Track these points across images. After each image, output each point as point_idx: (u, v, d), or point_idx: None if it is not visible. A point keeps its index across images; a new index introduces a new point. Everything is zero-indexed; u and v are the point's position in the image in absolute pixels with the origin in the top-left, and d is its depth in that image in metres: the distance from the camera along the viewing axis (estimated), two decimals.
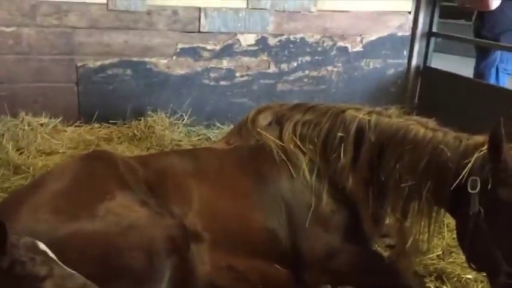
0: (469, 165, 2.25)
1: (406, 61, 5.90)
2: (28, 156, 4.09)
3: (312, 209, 2.69)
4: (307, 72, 5.53)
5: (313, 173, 2.75)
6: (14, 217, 2.21)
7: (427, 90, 5.86)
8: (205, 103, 5.20)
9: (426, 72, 5.90)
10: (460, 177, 2.27)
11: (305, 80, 5.55)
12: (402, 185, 2.53)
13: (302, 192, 2.73)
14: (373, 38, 5.69)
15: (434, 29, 5.86)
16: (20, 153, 4.11)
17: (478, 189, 2.18)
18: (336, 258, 2.72)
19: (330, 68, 5.61)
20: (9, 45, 4.51)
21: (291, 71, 5.46)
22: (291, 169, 2.76)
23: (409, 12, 5.77)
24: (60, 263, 1.69)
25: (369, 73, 5.77)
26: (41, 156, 4.16)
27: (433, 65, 5.97)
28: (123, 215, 2.26)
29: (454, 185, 2.29)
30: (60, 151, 4.27)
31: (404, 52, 5.88)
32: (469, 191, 2.21)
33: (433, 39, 5.89)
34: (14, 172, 3.81)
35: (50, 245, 1.97)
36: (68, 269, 1.68)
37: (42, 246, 1.69)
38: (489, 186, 2.15)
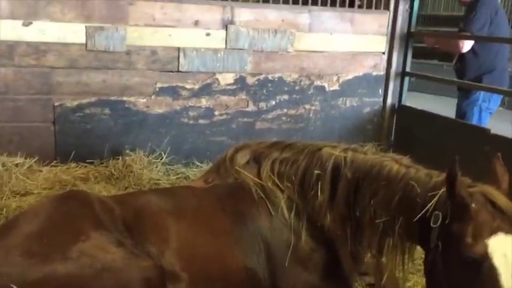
0: (435, 199, 2.29)
1: (381, 99, 6.04)
2: (2, 198, 3.99)
3: (291, 247, 2.67)
4: (285, 110, 5.60)
5: (292, 211, 2.74)
6: None
7: (403, 128, 5.98)
8: (184, 141, 5.20)
9: (401, 110, 6.04)
10: (423, 211, 2.31)
11: (283, 118, 5.61)
12: (377, 221, 2.54)
13: (281, 230, 2.72)
14: (349, 77, 5.83)
15: (407, 69, 6.04)
16: None
17: (439, 223, 2.24)
18: None
19: (307, 106, 5.69)
20: None
21: (270, 110, 5.53)
22: (270, 207, 2.75)
23: (383, 53, 5.95)
24: None
25: (346, 111, 5.88)
26: (15, 197, 4.07)
27: (407, 103, 6.11)
28: (97, 257, 2.20)
29: (416, 218, 2.33)
30: (35, 192, 4.19)
31: (380, 91, 6.02)
32: (431, 225, 2.26)
33: (407, 79, 6.06)
34: None
35: None
36: None
37: None
38: (446, 221, 2.21)
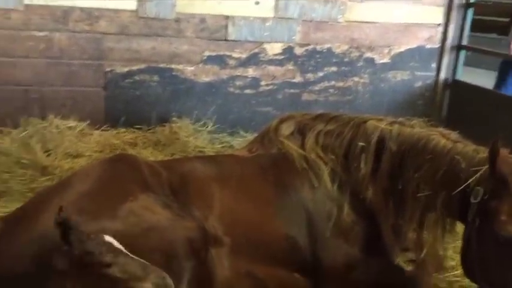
0: (477, 174, 2.26)
1: (434, 74, 5.83)
2: (55, 158, 4.17)
3: (332, 219, 2.68)
4: (332, 82, 5.52)
5: (335, 183, 2.74)
6: (40, 216, 2.26)
7: (455, 104, 5.77)
8: (229, 111, 5.23)
9: (455, 86, 5.82)
10: (465, 184, 2.28)
11: (330, 90, 5.53)
12: (419, 194, 2.51)
13: (323, 202, 2.72)
14: (402, 49, 5.65)
15: (464, 42, 5.78)
16: (48, 155, 4.19)
17: (478, 199, 2.21)
18: (356, 271, 2.69)
19: (356, 79, 5.58)
20: (40, 50, 4.63)
21: (317, 81, 5.46)
22: (313, 178, 2.75)
23: (439, 25, 5.71)
24: (124, 251, 1.90)
25: (396, 85, 5.72)
26: (68, 158, 4.24)
27: (461, 79, 5.88)
28: (144, 217, 2.29)
29: (457, 191, 2.31)
30: (87, 154, 4.35)
31: (433, 65, 5.81)
32: (471, 200, 2.24)
33: (462, 52, 5.82)
34: (41, 173, 3.90)
35: None
36: (131, 255, 1.88)
37: (107, 238, 1.91)
38: (486, 197, 2.18)
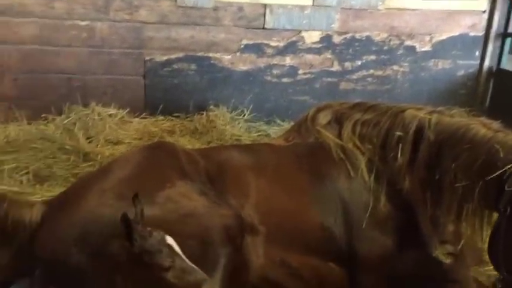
0: None
1: (477, 62, 5.65)
2: (97, 145, 4.30)
3: (369, 210, 2.65)
4: (371, 71, 5.43)
5: (372, 174, 2.70)
6: (81, 201, 2.34)
7: (499, 93, 5.58)
8: (266, 99, 5.23)
9: (499, 75, 5.62)
10: (499, 172, 2.23)
11: (369, 79, 5.44)
12: (456, 185, 2.44)
13: (360, 192, 2.69)
14: (443, 37, 5.49)
15: (510, 30, 5.56)
16: (90, 142, 4.33)
17: None
18: (392, 262, 2.66)
19: (395, 67, 5.47)
20: (83, 39, 4.75)
21: (355, 70, 5.38)
22: (350, 168, 2.73)
23: (484, 12, 5.51)
24: (184, 257, 1.87)
25: (437, 74, 5.58)
26: (109, 145, 4.36)
27: (506, 68, 5.67)
28: (181, 203, 2.33)
29: (490, 178, 2.26)
30: (126, 141, 4.46)
31: (477, 53, 5.63)
32: (506, 188, 2.19)
33: (508, 40, 5.60)
34: (83, 159, 4.02)
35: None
36: (190, 263, 1.85)
37: (169, 240, 1.88)
38: None
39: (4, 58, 4.64)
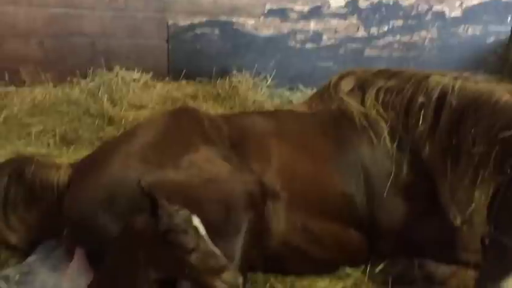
0: None
1: (509, 29, 5.46)
2: (121, 109, 4.34)
3: (391, 177, 2.65)
4: (398, 37, 5.30)
5: (395, 141, 2.69)
6: (107, 164, 2.40)
7: None
8: (289, 65, 5.18)
9: None
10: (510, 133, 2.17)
11: (395, 45, 5.32)
12: (474, 150, 2.41)
13: (382, 160, 2.69)
14: (474, 2, 5.30)
15: None
16: (114, 106, 4.38)
17: None
18: (413, 230, 2.67)
19: (423, 33, 5.32)
20: (106, 3, 4.74)
21: (381, 36, 5.27)
22: (372, 136, 2.72)
23: None
24: (208, 240, 1.82)
25: (467, 40, 5.41)
26: (132, 109, 4.41)
27: None
28: (205, 168, 2.37)
29: (502, 136, 2.22)
30: (150, 106, 4.50)
31: (509, 18, 5.42)
32: None
33: None
34: (108, 123, 4.09)
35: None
36: (214, 247, 1.81)
37: (196, 221, 1.83)
38: None
39: (29, 21, 4.68)
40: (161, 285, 1.85)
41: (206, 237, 1.82)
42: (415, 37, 5.33)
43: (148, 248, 1.78)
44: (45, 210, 2.56)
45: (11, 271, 2.38)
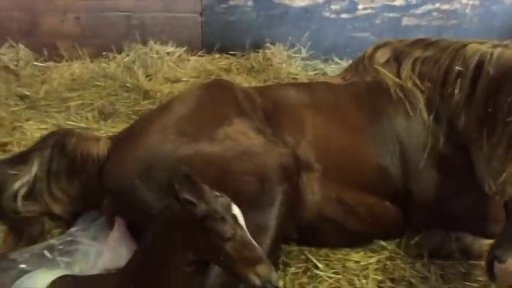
0: None
1: None
2: (156, 83, 4.40)
3: (427, 150, 2.61)
4: (437, 5, 5.12)
5: (431, 113, 2.64)
6: (144, 136, 2.45)
7: None
8: (324, 37, 5.09)
9: None
10: None
11: (434, 13, 5.15)
12: (508, 119, 2.33)
13: (418, 132, 2.65)
14: None
15: None
16: (149, 80, 4.44)
17: None
18: (449, 203, 2.64)
19: (464, 0, 5.12)
20: None
21: (419, 4, 5.09)
22: (408, 108, 2.67)
23: None
24: (246, 230, 1.80)
25: (510, 7, 5.18)
26: (167, 83, 4.47)
27: None
28: (239, 141, 2.39)
29: None
30: (184, 79, 4.54)
31: None
32: None
33: None
34: (143, 97, 4.15)
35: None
36: (250, 238, 1.79)
37: (235, 210, 1.80)
38: None
39: None
40: (198, 265, 1.86)
41: (244, 226, 1.80)
42: (456, 4, 5.14)
43: (186, 231, 1.78)
44: (85, 182, 2.65)
45: (54, 241, 2.49)
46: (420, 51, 2.79)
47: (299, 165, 2.48)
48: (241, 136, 2.41)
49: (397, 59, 2.84)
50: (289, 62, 4.81)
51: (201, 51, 4.98)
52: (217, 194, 1.80)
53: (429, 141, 2.62)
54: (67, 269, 2.28)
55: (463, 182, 2.63)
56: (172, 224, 1.81)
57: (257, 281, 1.73)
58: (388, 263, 2.64)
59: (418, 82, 2.71)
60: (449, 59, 2.65)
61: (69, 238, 2.49)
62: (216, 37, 4.98)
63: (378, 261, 2.66)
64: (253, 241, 1.79)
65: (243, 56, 4.95)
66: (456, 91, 2.56)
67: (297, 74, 4.66)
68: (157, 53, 4.74)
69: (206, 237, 1.75)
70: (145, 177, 2.31)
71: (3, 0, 4.73)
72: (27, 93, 4.04)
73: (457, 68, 2.58)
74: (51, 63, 4.65)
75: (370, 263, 2.63)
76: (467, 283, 2.53)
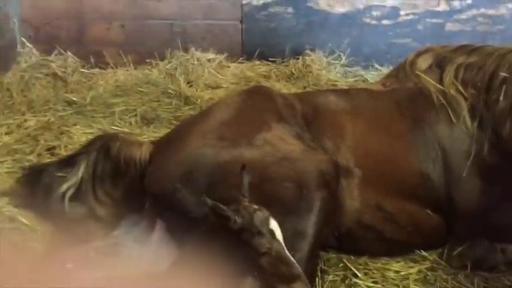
0: None
1: None
2: (196, 89, 4.48)
3: (471, 158, 2.55)
4: (482, 10, 4.99)
5: (475, 120, 2.58)
6: (185, 141, 2.51)
7: None
8: (364, 43, 5.05)
9: None
10: None
11: (479, 19, 5.02)
12: None
13: (461, 139, 2.60)
14: None
15: None
16: (190, 86, 4.53)
17: None
18: (492, 213, 2.57)
19: (510, 5, 4.98)
20: None
21: (464, 9, 4.98)
22: (451, 114, 2.63)
23: None
24: (283, 246, 1.78)
25: None
26: (208, 89, 4.54)
27: None
28: (278, 146, 2.41)
29: None
30: (224, 86, 4.60)
31: None
32: None
33: None
34: (184, 103, 4.23)
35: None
36: (288, 254, 1.77)
37: (273, 224, 1.79)
38: None
39: (112, 4, 4.91)
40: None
41: (282, 242, 1.78)
42: (502, 9, 5.00)
43: (224, 241, 1.78)
44: (128, 185, 2.72)
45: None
46: (464, 57, 2.74)
47: (338, 171, 2.47)
48: (280, 142, 2.42)
49: (439, 65, 2.80)
50: (329, 69, 4.79)
51: (241, 58, 5.03)
52: (256, 207, 1.79)
53: (473, 149, 2.56)
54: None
55: (509, 191, 2.55)
56: (212, 232, 1.83)
57: None
58: (429, 273, 2.58)
59: (461, 89, 2.66)
60: (494, 65, 2.59)
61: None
62: (256, 44, 5.03)
63: (419, 271, 2.60)
64: (291, 258, 1.77)
65: (283, 62, 4.96)
66: (501, 98, 2.49)
67: (336, 81, 4.64)
68: (198, 60, 4.81)
69: (242, 250, 1.75)
70: (185, 181, 2.36)
71: (52, 10, 4.93)
72: (75, 99, 4.18)
73: (502, 74, 2.51)
74: (97, 70, 4.81)
75: (410, 273, 2.58)
76: None
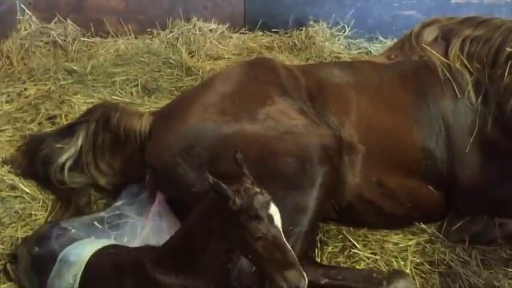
0: None
1: None
2: (198, 60, 4.44)
3: (474, 133, 2.53)
4: None
5: (480, 95, 2.55)
6: (186, 115, 2.48)
7: None
8: (369, 14, 4.96)
9: None
10: None
11: None
12: None
13: (465, 114, 2.57)
14: None
15: None
16: (192, 56, 4.48)
17: None
18: (494, 189, 2.57)
19: None
20: None
21: None
22: (455, 89, 2.59)
23: None
24: (281, 232, 1.74)
25: None
26: (209, 60, 4.49)
27: None
28: (281, 121, 2.38)
29: None
30: (226, 56, 4.55)
31: None
32: None
33: None
34: (186, 73, 4.19)
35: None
36: (284, 241, 1.74)
37: (272, 209, 1.75)
38: None
39: None
40: (232, 255, 1.87)
41: (280, 228, 1.75)
42: None
43: (222, 221, 1.77)
44: (128, 156, 2.73)
45: (103, 213, 2.58)
46: (470, 29, 2.68)
47: (341, 146, 2.46)
48: (283, 116, 2.40)
49: (445, 37, 2.75)
50: (332, 41, 4.72)
51: (244, 29, 4.96)
52: (258, 190, 1.76)
53: (476, 125, 2.54)
54: (116, 240, 2.36)
55: (510, 167, 2.54)
56: (210, 212, 1.82)
57: (284, 285, 1.70)
58: (427, 246, 2.61)
59: (466, 62, 2.62)
60: (501, 38, 2.54)
61: (117, 212, 2.58)
62: (259, 14, 4.94)
63: (417, 243, 2.63)
64: (288, 245, 1.75)
65: (286, 33, 4.90)
66: (506, 73, 2.45)
67: (340, 53, 4.58)
68: (199, 29, 4.75)
69: (239, 231, 1.73)
70: (186, 155, 2.35)
71: None
72: (75, 68, 4.15)
73: (508, 49, 2.47)
74: (97, 39, 4.75)
75: (409, 245, 2.61)
76: (509, 269, 2.47)
